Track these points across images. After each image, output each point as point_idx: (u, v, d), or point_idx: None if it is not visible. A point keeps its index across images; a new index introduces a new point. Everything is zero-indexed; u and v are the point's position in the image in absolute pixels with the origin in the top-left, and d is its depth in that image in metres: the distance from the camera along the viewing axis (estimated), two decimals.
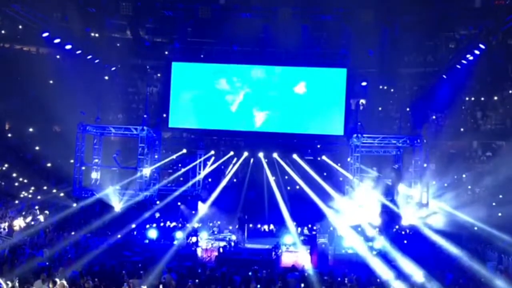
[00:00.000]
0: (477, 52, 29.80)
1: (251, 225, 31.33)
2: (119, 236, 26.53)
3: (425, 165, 28.83)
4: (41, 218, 28.31)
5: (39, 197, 30.34)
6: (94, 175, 30.53)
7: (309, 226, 30.23)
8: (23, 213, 28.27)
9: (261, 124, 31.78)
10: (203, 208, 30.93)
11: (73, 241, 25.35)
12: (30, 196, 30.35)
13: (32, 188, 30.74)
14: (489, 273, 21.22)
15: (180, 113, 32.22)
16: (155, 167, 31.17)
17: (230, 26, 31.53)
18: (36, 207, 28.99)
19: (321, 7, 31.26)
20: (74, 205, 29.39)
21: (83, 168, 30.06)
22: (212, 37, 32.90)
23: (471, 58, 30.33)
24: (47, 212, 29.10)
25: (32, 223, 27.61)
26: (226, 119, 31.88)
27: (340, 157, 31.67)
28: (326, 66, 31.72)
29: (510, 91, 33.19)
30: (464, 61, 30.86)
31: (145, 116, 30.75)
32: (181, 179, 32.87)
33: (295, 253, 26.69)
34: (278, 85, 31.83)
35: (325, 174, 31.99)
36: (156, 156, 31.52)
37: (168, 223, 30.75)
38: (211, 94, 31.93)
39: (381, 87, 34.88)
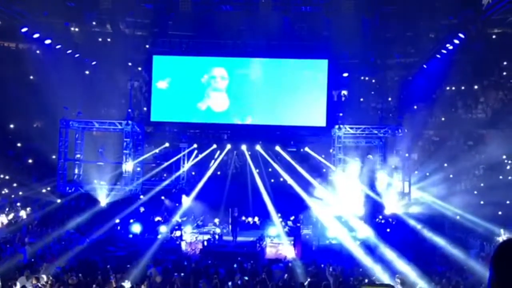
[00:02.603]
0: (457, 41, 29.94)
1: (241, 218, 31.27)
2: (102, 231, 26.45)
3: (406, 154, 29.01)
4: (23, 214, 28.11)
5: (21, 193, 30.16)
6: (76, 170, 30.35)
7: (293, 217, 30.26)
8: (6, 209, 28.04)
9: (243, 117, 31.67)
10: (187, 202, 30.87)
11: (56, 237, 25.28)
12: (12, 192, 30.10)
13: (14, 184, 30.53)
14: (471, 260, 21.52)
15: (162, 107, 32.09)
16: (138, 161, 31.03)
17: (211, 18, 31.48)
18: (18, 204, 28.78)
19: None
20: (58, 200, 29.27)
21: (66, 163, 29.80)
22: (193, 30, 32.56)
23: (451, 47, 30.47)
24: (29, 208, 28.88)
25: (15, 220, 27.38)
26: (208, 112, 31.72)
27: (323, 148, 31.71)
28: (307, 58, 31.75)
29: (491, 80, 33.49)
30: (444, 51, 30.98)
31: (129, 110, 30.69)
32: (165, 175, 32.85)
33: (279, 245, 26.85)
34: (260, 77, 31.74)
35: (308, 165, 31.90)
36: (139, 150, 31.29)
37: (152, 217, 30.62)
38: (193, 87, 31.76)
39: (362, 78, 34.99)
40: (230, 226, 28.97)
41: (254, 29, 31.06)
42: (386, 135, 29.70)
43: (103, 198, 29.29)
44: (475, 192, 29.35)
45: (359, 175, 29.55)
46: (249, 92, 31.86)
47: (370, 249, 23.55)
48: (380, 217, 29.26)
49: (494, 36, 32.60)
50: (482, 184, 29.84)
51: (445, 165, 31.32)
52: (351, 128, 29.64)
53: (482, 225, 25.62)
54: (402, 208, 28.15)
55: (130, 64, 33.86)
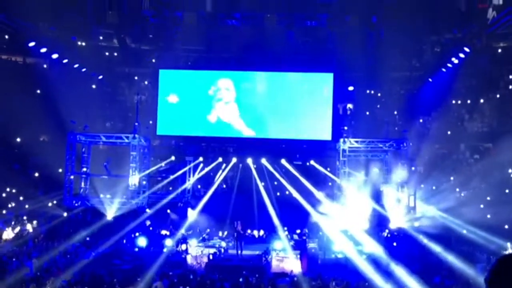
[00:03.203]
0: (462, 55, 30.15)
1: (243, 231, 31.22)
2: (108, 245, 26.45)
3: (412, 168, 29.07)
4: (29, 228, 28.15)
5: (27, 206, 30.24)
6: (83, 184, 30.48)
7: (299, 231, 30.03)
8: (12, 223, 28.10)
9: (249, 130, 31.94)
10: (192, 215, 30.87)
11: (62, 250, 25.33)
12: (18, 206, 30.20)
13: (21, 198, 30.61)
14: (477, 275, 21.28)
15: (168, 121, 32.38)
16: (144, 174, 31.01)
17: (217, 33, 31.87)
18: (25, 217, 28.84)
19: (307, 13, 31.64)
20: (65, 214, 29.35)
21: (72, 177, 29.94)
22: (199, 44, 32.95)
23: (456, 61, 30.69)
24: (35, 222, 28.96)
25: (21, 233, 27.49)
26: (214, 125, 32.02)
27: (328, 162, 31.75)
28: (312, 71, 31.97)
29: (496, 94, 33.50)
30: (449, 65, 31.21)
31: (136, 124, 30.53)
32: (171, 188, 32.84)
33: (285, 259, 26.79)
34: (265, 90, 32.08)
35: (313, 179, 31.78)
36: (145, 164, 31.33)
37: (157, 230, 30.51)
38: (199, 100, 32.06)
39: (368, 91, 35.15)
40: (235, 240, 28.82)
41: (259, 43, 31.46)
42: (392, 149, 29.64)
43: (109, 211, 29.28)
44: (482, 206, 29.02)
45: (365, 188, 29.36)
46: (254, 105, 32.08)
47: (376, 263, 23.44)
48: (387, 231, 28.98)
49: (499, 50, 32.73)
50: (488, 198, 29.56)
51: (451, 178, 31.25)
52: (356, 141, 29.56)
53: (489, 239, 25.45)
54: (408, 222, 28.07)
55: (136, 78, 34.11)
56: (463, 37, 31.27)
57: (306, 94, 31.86)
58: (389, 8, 30.13)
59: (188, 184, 32.02)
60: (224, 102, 31.96)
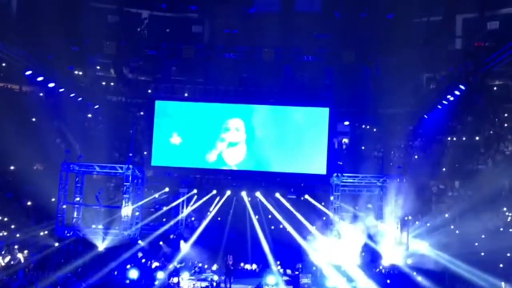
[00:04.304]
0: (457, 92, 30.56)
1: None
2: (99, 276, 26.35)
3: (406, 204, 29.12)
4: (20, 257, 28.11)
5: (18, 235, 29.83)
6: (75, 213, 30.53)
7: (292, 266, 29.87)
8: (3, 252, 28.05)
9: (243, 163, 32.45)
10: (185, 248, 30.90)
11: (53, 281, 25.15)
12: (10, 235, 29.91)
13: (12, 226, 30.42)
14: None
15: (163, 152, 32.83)
16: (137, 205, 31.11)
17: (214, 65, 32.58)
18: (16, 246, 28.73)
19: (304, 48, 32.31)
20: (56, 244, 29.33)
21: (64, 206, 30.05)
22: (195, 76, 33.47)
23: (451, 98, 31.09)
24: (26, 251, 28.86)
25: (12, 262, 27.44)
26: (209, 158, 32.41)
27: (323, 196, 31.90)
28: (308, 105, 32.50)
29: (491, 131, 33.88)
30: (445, 102, 31.64)
31: (130, 154, 30.93)
32: (164, 220, 32.76)
33: None
34: (261, 124, 32.54)
35: (308, 213, 31.98)
36: (139, 195, 31.42)
37: (149, 263, 30.19)
38: (194, 132, 32.59)
39: (363, 126, 35.45)
40: (224, 275, 28.59)
41: (256, 77, 32.43)
42: (385, 184, 29.85)
43: (101, 242, 29.32)
44: (476, 244, 29.09)
45: (357, 223, 29.81)
46: (258, 142, 32.76)
47: None
48: (381, 267, 28.88)
49: (495, 88, 33.23)
50: (483, 236, 29.45)
51: (446, 215, 31.20)
52: (349, 176, 29.89)
53: (483, 277, 25.40)
54: (401, 258, 28.15)
55: (132, 108, 34.50)
56: (459, 75, 31.74)
57: (302, 128, 32.36)
58: (384, 45, 30.77)
59: (182, 216, 32.20)
60: (227, 143, 32.67)
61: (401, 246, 28.58)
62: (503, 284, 24.91)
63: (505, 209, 30.81)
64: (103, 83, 34.91)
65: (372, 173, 30.77)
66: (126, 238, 29.76)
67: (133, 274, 27.69)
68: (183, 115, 32.89)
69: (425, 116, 33.43)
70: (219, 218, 33.55)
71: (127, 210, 30.11)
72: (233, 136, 32.57)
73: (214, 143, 32.68)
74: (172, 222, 31.95)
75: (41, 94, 33.88)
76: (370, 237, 28.91)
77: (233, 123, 32.63)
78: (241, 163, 32.70)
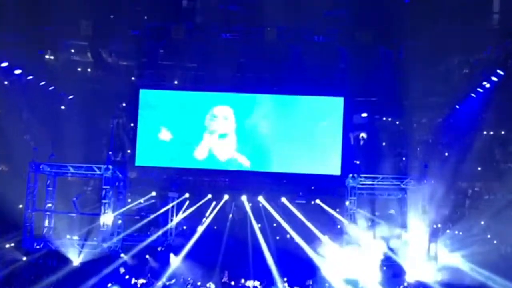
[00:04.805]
0: (494, 78, 30.44)
1: (232, 283, 31.03)
2: None
3: (434, 210, 29.23)
4: None
5: None
6: (46, 222, 30.57)
7: (301, 282, 30.01)
8: None
9: (244, 163, 32.32)
10: (175, 262, 30.82)
11: None
12: None
13: None
14: None
15: (149, 150, 32.68)
16: (119, 212, 31.24)
17: (208, 48, 32.29)
18: None
19: (313, 27, 32.05)
20: (24, 258, 29.32)
21: (33, 214, 30.09)
22: (186, 60, 33.45)
23: (488, 85, 30.99)
24: None
25: None
26: (205, 157, 32.38)
27: (337, 201, 32.13)
28: (320, 95, 32.43)
29: None
30: (480, 89, 31.55)
31: (110, 153, 31.39)
32: (151, 229, 32.96)
33: None
34: (263, 116, 32.47)
35: (319, 220, 32.19)
36: (120, 200, 31.61)
37: (134, 280, 30.10)
38: (185, 127, 32.50)
39: (384, 118, 35.16)
40: None
41: (258, 61, 32.16)
42: (410, 187, 29.90)
43: (76, 256, 29.42)
44: None
45: (377, 232, 30.10)
46: (254, 135, 32.57)
47: None
48: (405, 283, 28.82)
49: None
50: None
51: (482, 223, 31.48)
52: (368, 177, 30.16)
53: None
54: (429, 273, 28.14)
55: (113, 98, 34.20)
56: (497, 58, 31.46)
57: (312, 121, 32.29)
58: (408, 24, 30.11)
59: (171, 225, 32.45)
60: (218, 135, 32.44)
61: (429, 259, 28.60)
62: None
63: None
64: (79, 69, 34.59)
65: (395, 173, 31.01)
66: (106, 251, 29.90)
67: None
68: (173, 106, 32.72)
69: (457, 107, 33.28)
70: (215, 227, 33.55)
71: (106, 218, 30.32)
72: (221, 126, 32.46)
73: (202, 136, 32.56)
74: (160, 232, 32.12)
75: (5, 83, 33.31)
76: (391, 248, 29.01)
77: (220, 111, 32.51)
78: (234, 161, 32.46)
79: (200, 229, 32.54)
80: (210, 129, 32.52)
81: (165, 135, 32.55)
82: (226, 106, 32.56)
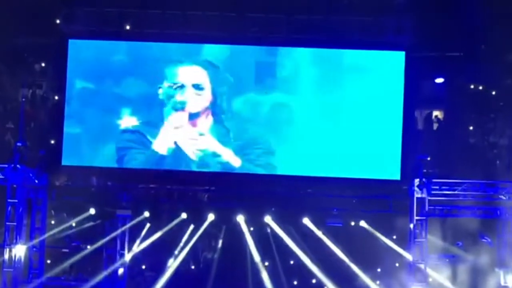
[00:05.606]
0: None
1: None
2: None
3: None
4: None
5: None
6: None
7: None
8: None
9: (239, 161, 28.50)
10: None
11: None
12: None
13: None
14: None
15: (84, 141, 28.67)
16: (36, 242, 28.34)
17: None
18: None
19: None
20: None
21: None
22: None
23: None
24: None
25: None
26: (171, 151, 28.46)
27: (394, 222, 29.13)
28: (368, 48, 28.75)
29: None
30: None
31: (18, 144, 27.52)
32: (88, 269, 30.24)
33: None
34: (273, 85, 28.68)
35: (363, 253, 29.71)
36: (38, 222, 28.67)
37: None
38: (143, 102, 28.82)
39: (472, 86, 31.71)
40: None
41: None
42: None
43: None
44: None
45: (463, 273, 28.10)
46: (250, 113, 28.91)
47: None
48: None
49: None
50: None
51: None
52: (444, 184, 27.02)
53: None
54: None
55: (26, 55, 31.23)
56: None
57: (349, 91, 28.63)
58: None
59: (122, 262, 29.71)
60: (188, 114, 29.01)
61: None
62: None
63: None
64: None
65: (488, 178, 27.90)
66: None
67: None
68: (121, 66, 29.18)
69: None
70: (192, 267, 31.82)
71: (15, 251, 27.58)
72: (192, 100, 29.07)
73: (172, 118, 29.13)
74: (102, 275, 29.12)
75: None
76: None
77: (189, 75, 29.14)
78: (214, 157, 28.81)
79: (170, 271, 30.11)
80: (175, 106, 29.28)
81: (125, 121, 29.40)
82: (198, 67, 28.97)
